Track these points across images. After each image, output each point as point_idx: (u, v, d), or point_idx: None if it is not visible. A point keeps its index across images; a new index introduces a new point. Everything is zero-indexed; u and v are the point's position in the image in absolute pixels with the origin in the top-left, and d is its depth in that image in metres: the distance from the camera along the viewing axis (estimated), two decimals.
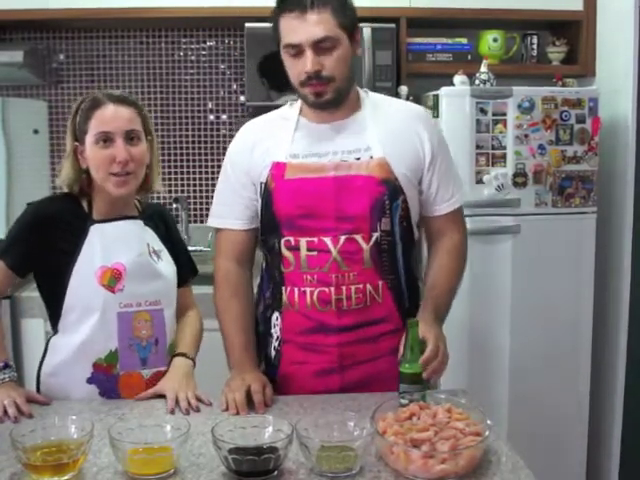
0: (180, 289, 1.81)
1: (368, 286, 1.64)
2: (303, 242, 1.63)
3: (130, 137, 1.63)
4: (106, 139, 1.61)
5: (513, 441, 1.52)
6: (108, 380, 1.66)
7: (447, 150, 1.75)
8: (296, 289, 1.66)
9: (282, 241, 1.66)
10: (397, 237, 1.68)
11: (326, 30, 1.54)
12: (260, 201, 1.69)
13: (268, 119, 1.76)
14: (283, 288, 1.68)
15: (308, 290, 1.64)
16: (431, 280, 1.73)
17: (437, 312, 1.65)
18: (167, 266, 1.74)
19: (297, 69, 1.58)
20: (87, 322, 1.64)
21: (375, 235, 1.64)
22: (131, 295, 1.66)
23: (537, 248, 2.70)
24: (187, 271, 1.86)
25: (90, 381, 1.66)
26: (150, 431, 1.34)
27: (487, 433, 1.29)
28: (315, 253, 1.63)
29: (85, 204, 1.68)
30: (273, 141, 1.68)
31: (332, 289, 1.63)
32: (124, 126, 1.62)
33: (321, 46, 1.54)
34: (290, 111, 1.72)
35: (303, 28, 1.53)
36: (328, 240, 1.62)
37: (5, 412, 1.51)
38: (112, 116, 1.62)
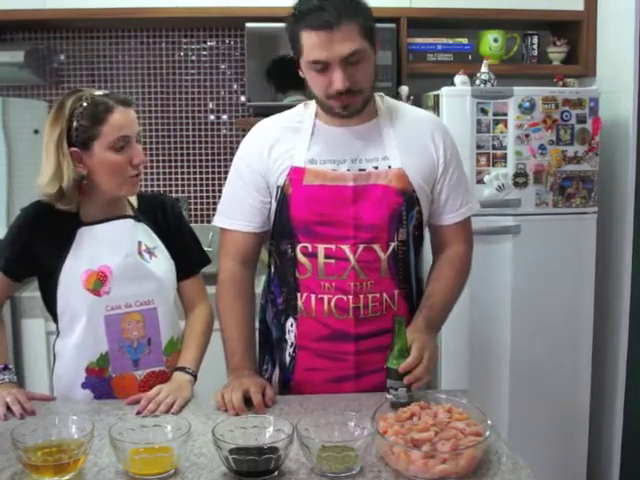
0: (187, 281, 1.79)
1: (385, 295, 1.65)
2: (321, 249, 1.63)
3: (137, 138, 1.63)
4: (124, 143, 1.59)
5: (513, 441, 1.52)
6: (101, 383, 1.66)
7: (459, 161, 1.75)
8: (313, 296, 1.65)
9: (298, 247, 1.65)
10: (411, 246, 1.68)
11: (354, 45, 1.50)
12: (275, 205, 1.67)
13: (283, 120, 1.72)
14: (298, 294, 1.67)
15: (326, 297, 1.64)
16: (429, 289, 1.72)
17: (429, 321, 1.63)
18: (162, 263, 1.71)
19: (323, 84, 1.55)
20: (77, 326, 1.63)
21: (392, 245, 1.64)
22: (119, 297, 1.64)
23: (537, 248, 2.70)
24: (194, 261, 1.81)
25: (84, 386, 1.66)
26: (151, 431, 1.34)
27: (487, 433, 1.29)
28: (333, 261, 1.63)
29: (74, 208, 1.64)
30: (290, 144, 1.65)
31: (350, 297, 1.63)
32: (136, 128, 1.62)
33: (349, 61, 1.51)
34: (306, 113, 1.69)
35: (330, 45, 1.49)
36: (346, 248, 1.62)
37: (9, 409, 1.52)
38: (127, 119, 1.60)
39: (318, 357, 1.68)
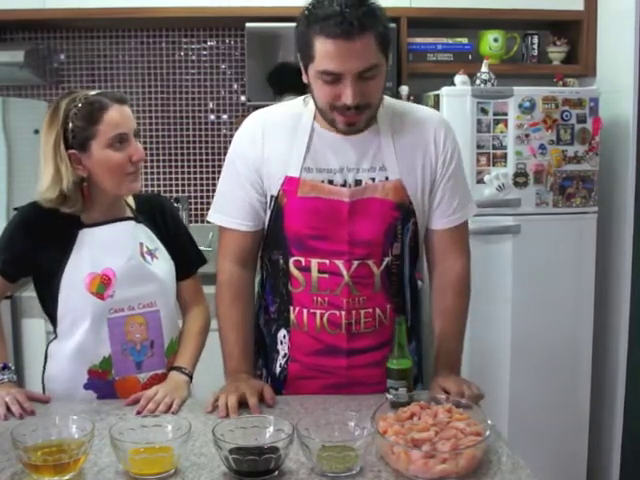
0: (185, 282, 1.78)
1: (377, 310, 1.62)
2: (314, 263, 1.59)
3: (135, 134, 1.62)
4: (121, 141, 1.57)
5: (513, 441, 1.52)
6: (104, 385, 1.65)
7: (460, 165, 1.67)
8: (305, 310, 1.62)
9: (291, 260, 1.61)
10: (406, 258, 1.65)
11: (371, 59, 1.43)
12: (269, 213, 1.63)
13: (279, 113, 1.65)
14: (291, 307, 1.64)
15: (318, 312, 1.61)
16: (439, 329, 1.68)
17: (451, 366, 1.63)
18: (163, 265, 1.70)
19: (330, 95, 1.48)
20: (79, 329, 1.62)
21: (386, 260, 1.61)
22: (122, 300, 1.63)
23: (538, 248, 2.70)
24: (191, 262, 1.80)
25: (87, 387, 1.65)
26: (151, 431, 1.34)
27: (487, 433, 1.29)
28: (326, 275, 1.59)
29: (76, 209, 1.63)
30: (285, 147, 1.59)
31: (343, 313, 1.60)
32: (132, 125, 1.61)
33: (363, 75, 1.44)
34: (304, 112, 1.61)
35: (347, 57, 1.41)
36: (340, 264, 1.58)
37: (8, 409, 1.51)
38: (123, 116, 1.58)
39: (310, 370, 1.66)
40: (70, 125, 1.56)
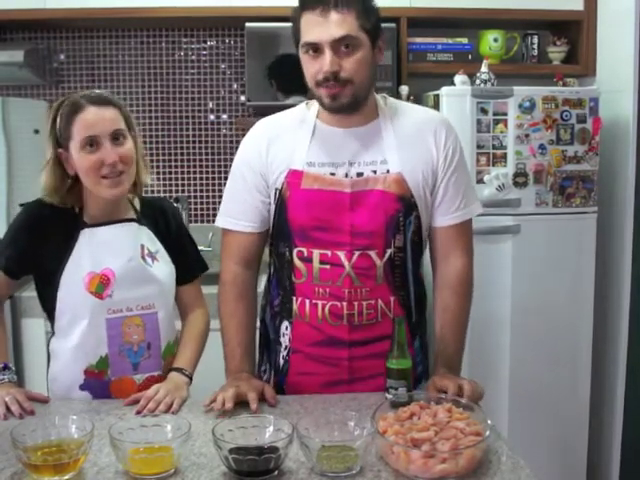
0: (185, 286, 1.79)
1: (380, 302, 1.63)
2: (316, 254, 1.62)
3: (116, 137, 1.58)
4: (92, 143, 1.56)
5: (513, 440, 1.52)
6: (100, 386, 1.65)
7: (462, 163, 1.69)
8: (307, 301, 1.64)
9: (294, 251, 1.64)
10: (409, 252, 1.66)
11: (347, 30, 1.49)
12: (273, 207, 1.66)
13: (284, 118, 1.71)
14: (294, 298, 1.66)
15: (320, 303, 1.63)
16: (438, 327, 1.69)
17: (450, 365, 1.63)
18: (163, 267, 1.71)
19: (314, 69, 1.53)
20: (77, 328, 1.63)
21: (389, 251, 1.62)
22: (120, 301, 1.63)
23: (537, 248, 2.70)
24: (193, 267, 1.81)
25: (83, 387, 1.65)
26: (151, 431, 1.34)
27: (487, 433, 1.29)
28: (328, 266, 1.61)
29: (77, 209, 1.65)
30: (289, 145, 1.64)
31: (344, 304, 1.61)
32: (109, 128, 1.57)
33: (341, 46, 1.50)
34: (307, 113, 1.67)
35: (324, 26, 1.49)
36: (342, 254, 1.60)
37: (8, 409, 1.52)
38: (95, 119, 1.57)
39: (312, 361, 1.67)
40: (57, 124, 1.59)
